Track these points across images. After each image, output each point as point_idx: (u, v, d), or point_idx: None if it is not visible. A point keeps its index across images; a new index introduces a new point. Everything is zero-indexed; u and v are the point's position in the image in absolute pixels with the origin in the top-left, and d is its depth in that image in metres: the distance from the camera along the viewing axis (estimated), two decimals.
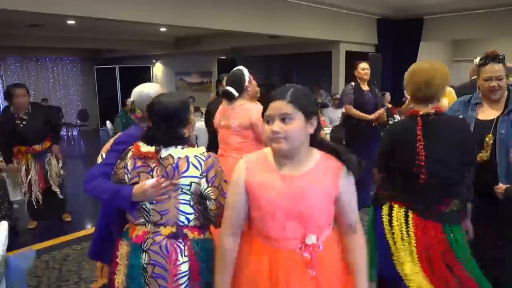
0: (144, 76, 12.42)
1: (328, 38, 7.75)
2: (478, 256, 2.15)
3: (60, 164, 4.50)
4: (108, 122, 8.50)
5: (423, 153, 1.98)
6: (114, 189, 1.77)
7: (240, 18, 6.23)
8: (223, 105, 3.17)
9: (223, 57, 10.70)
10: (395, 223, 2.05)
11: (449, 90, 3.96)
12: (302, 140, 1.45)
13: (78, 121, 12.88)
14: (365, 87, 4.76)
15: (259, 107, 3.02)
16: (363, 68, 4.73)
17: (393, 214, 2.07)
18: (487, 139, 2.30)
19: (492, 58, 2.33)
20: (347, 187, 1.51)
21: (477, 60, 2.45)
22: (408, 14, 8.37)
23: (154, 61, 13.71)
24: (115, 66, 12.43)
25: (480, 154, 2.31)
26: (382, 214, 2.11)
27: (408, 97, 2.75)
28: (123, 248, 1.80)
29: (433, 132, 2.00)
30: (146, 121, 1.88)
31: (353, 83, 4.79)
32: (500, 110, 2.35)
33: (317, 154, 1.52)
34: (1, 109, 11.04)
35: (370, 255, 1.96)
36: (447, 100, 3.88)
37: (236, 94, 2.97)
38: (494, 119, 2.34)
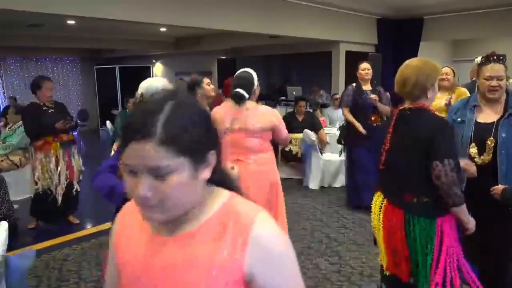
0: (144, 76, 12.39)
1: (328, 38, 7.74)
2: (480, 257, 2.22)
3: (81, 161, 4.56)
4: (108, 122, 8.50)
5: (388, 143, 2.12)
6: (110, 185, 1.83)
7: (240, 18, 6.22)
8: (232, 108, 3.06)
9: (223, 57, 10.71)
10: (373, 208, 2.26)
11: (464, 91, 3.92)
12: (190, 199, 0.84)
13: (78, 121, 12.86)
14: (366, 87, 4.75)
15: (274, 109, 3.10)
16: (364, 68, 4.73)
17: (374, 199, 2.28)
18: (488, 142, 2.31)
19: (493, 58, 2.34)
20: (267, 262, 0.83)
21: (478, 59, 2.45)
22: (408, 14, 8.37)
23: (154, 61, 13.71)
24: (115, 66, 12.44)
25: (482, 157, 2.32)
26: (372, 201, 2.32)
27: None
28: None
29: (402, 125, 2.10)
30: None
31: (354, 84, 4.80)
32: (500, 113, 2.36)
33: (223, 198, 0.90)
34: (1, 109, 11.05)
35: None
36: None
37: (247, 96, 2.96)
38: (494, 122, 2.34)
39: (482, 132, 2.34)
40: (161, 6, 5.35)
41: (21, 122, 5.47)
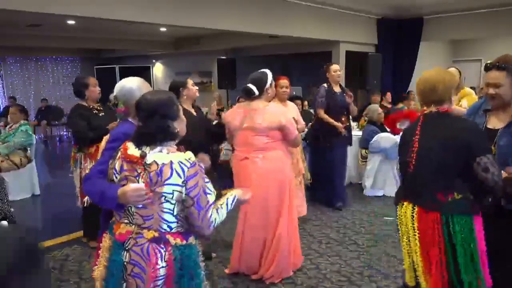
0: (144, 76, 12.37)
1: (328, 38, 7.74)
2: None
3: None
4: None
5: (416, 145, 2.15)
6: (101, 191, 1.80)
7: (240, 18, 6.23)
8: (242, 107, 3.20)
9: (223, 57, 10.69)
10: (403, 219, 2.19)
11: (470, 92, 3.93)
12: None
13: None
14: (337, 89, 4.83)
15: (284, 109, 3.19)
16: (335, 70, 4.85)
17: (402, 210, 2.20)
18: None
19: (494, 64, 2.18)
20: None
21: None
22: (408, 14, 8.37)
23: (154, 61, 13.71)
24: (115, 66, 12.43)
25: None
26: (397, 213, 2.25)
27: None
28: (105, 242, 1.85)
29: (429, 127, 2.15)
30: (130, 114, 1.95)
31: (325, 85, 4.82)
32: (508, 120, 2.21)
33: None
34: (1, 110, 11.02)
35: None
36: (467, 101, 3.84)
37: (256, 92, 3.06)
38: (499, 129, 2.22)
39: (488, 139, 2.19)
40: (161, 6, 5.35)
41: (22, 122, 5.40)
